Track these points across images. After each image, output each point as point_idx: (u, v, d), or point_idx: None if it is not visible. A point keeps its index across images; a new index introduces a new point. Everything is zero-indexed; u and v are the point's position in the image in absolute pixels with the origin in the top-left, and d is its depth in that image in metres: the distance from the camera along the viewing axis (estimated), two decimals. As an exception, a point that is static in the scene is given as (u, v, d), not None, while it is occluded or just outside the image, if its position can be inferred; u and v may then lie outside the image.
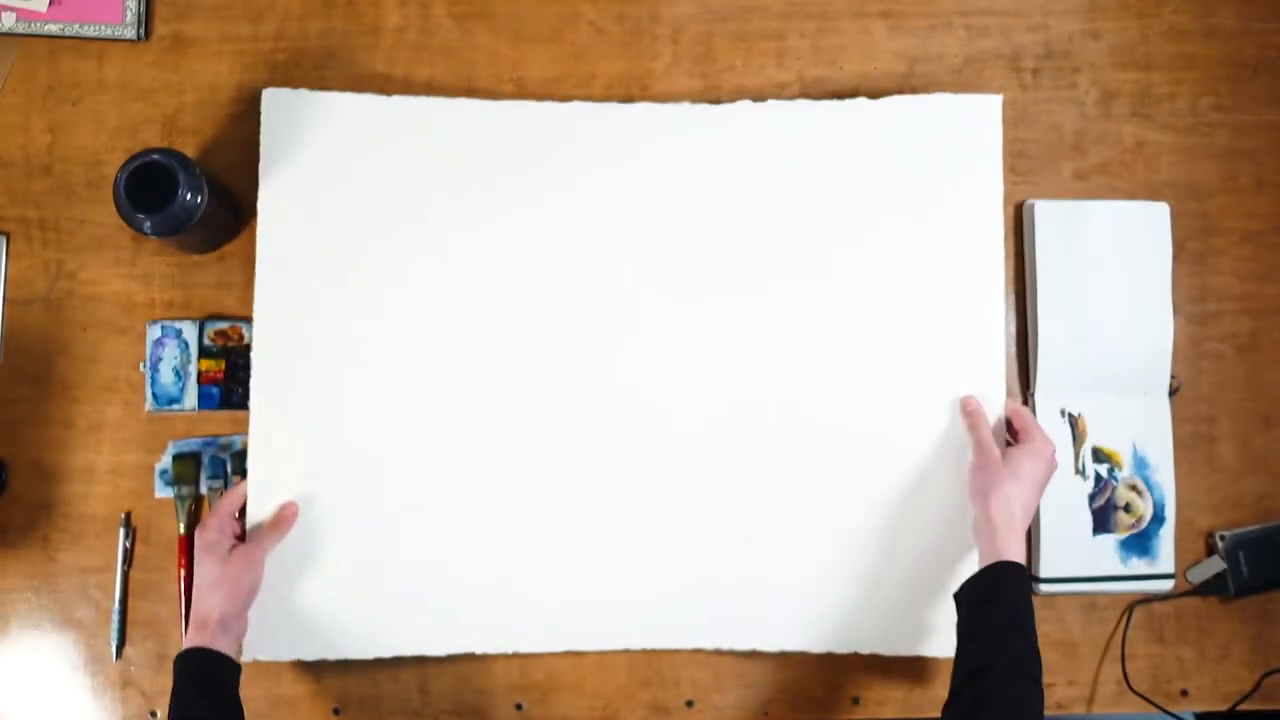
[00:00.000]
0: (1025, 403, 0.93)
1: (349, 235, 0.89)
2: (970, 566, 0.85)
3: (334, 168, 0.89)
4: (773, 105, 0.92)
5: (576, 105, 0.91)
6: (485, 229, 0.90)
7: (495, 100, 0.91)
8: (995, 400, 0.90)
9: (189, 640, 0.79)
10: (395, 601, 0.87)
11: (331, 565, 0.87)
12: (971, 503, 0.86)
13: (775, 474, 0.90)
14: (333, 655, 0.87)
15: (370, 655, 0.87)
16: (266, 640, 0.86)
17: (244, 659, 0.85)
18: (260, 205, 0.88)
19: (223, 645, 0.79)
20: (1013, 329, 0.93)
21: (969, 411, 0.88)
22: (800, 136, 0.91)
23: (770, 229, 0.91)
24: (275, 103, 0.89)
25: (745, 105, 0.92)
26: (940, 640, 0.89)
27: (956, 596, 0.80)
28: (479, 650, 0.87)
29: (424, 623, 0.88)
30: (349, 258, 0.89)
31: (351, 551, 0.87)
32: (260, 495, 0.86)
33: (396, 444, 0.88)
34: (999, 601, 0.76)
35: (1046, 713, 0.90)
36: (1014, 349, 0.93)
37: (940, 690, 0.90)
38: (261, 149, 0.89)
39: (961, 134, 0.91)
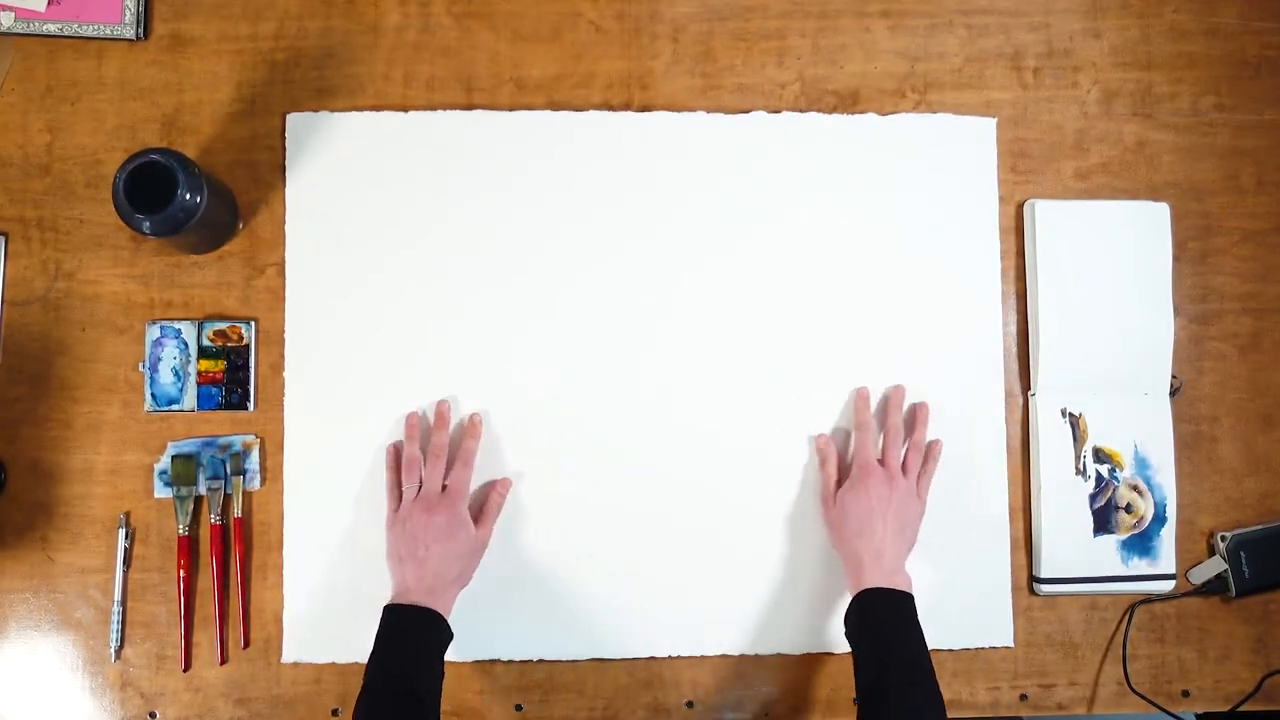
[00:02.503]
0: (1025, 404, 0.93)
1: (372, 243, 0.90)
2: (965, 564, 0.88)
3: (354, 181, 0.90)
4: (785, 117, 0.93)
5: (588, 115, 0.92)
6: (499, 235, 0.91)
7: (505, 111, 0.92)
8: (995, 404, 0.92)
9: (422, 599, 0.79)
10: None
11: (360, 570, 0.88)
12: None
13: (775, 477, 0.91)
14: (365, 659, 0.86)
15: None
16: (307, 642, 0.87)
17: (283, 660, 0.87)
18: (288, 220, 0.90)
19: (447, 613, 0.81)
20: (1013, 329, 0.93)
21: (819, 448, 0.90)
22: (808, 147, 0.92)
23: (777, 236, 0.92)
24: (297, 126, 0.91)
25: (759, 115, 0.92)
26: (939, 635, 0.89)
27: (846, 632, 0.83)
28: (482, 658, 0.89)
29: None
30: (373, 266, 0.90)
31: (380, 557, 0.87)
32: (296, 501, 0.89)
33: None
34: (871, 628, 0.80)
35: (1047, 713, 0.91)
36: (1014, 349, 0.93)
37: (942, 689, 0.90)
38: (286, 169, 0.90)
39: (960, 151, 0.93)
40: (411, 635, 0.78)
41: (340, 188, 0.90)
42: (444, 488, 0.85)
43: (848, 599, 0.89)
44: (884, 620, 0.80)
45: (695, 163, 0.92)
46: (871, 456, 0.87)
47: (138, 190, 0.79)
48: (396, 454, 0.88)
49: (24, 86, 0.91)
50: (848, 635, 0.83)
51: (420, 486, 0.85)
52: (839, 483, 0.88)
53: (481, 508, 0.87)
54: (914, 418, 0.90)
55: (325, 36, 0.92)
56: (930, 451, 0.89)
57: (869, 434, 0.88)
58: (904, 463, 0.88)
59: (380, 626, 0.79)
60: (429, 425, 0.88)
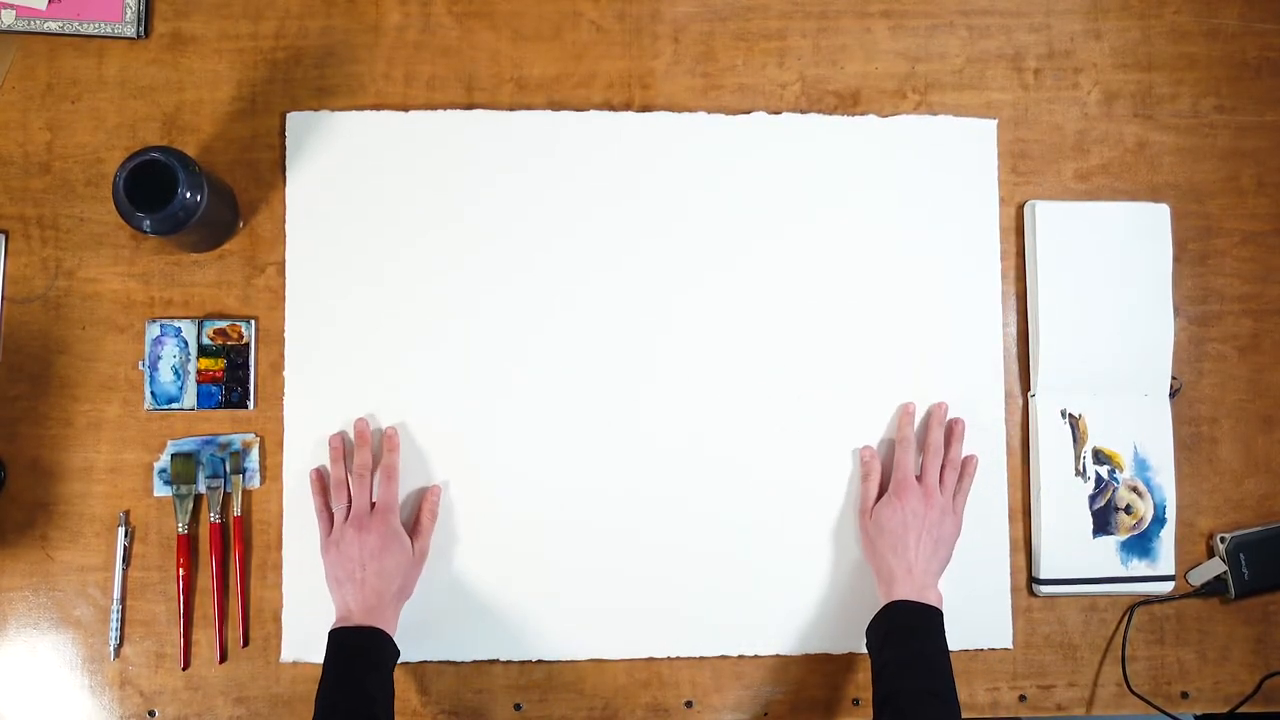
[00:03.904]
0: (1025, 404, 0.93)
1: (372, 243, 0.90)
2: (964, 564, 0.88)
3: (355, 180, 0.91)
4: (786, 117, 0.93)
5: (589, 114, 0.92)
6: (499, 234, 0.91)
7: (505, 110, 0.92)
8: (995, 404, 0.92)
9: (364, 619, 0.79)
10: (415, 607, 0.87)
11: None
12: None
13: (775, 477, 0.91)
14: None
15: (398, 659, 0.87)
16: (306, 642, 0.87)
17: (282, 659, 0.87)
18: (288, 219, 0.90)
19: (392, 629, 0.81)
20: (1013, 329, 0.93)
21: (863, 461, 0.90)
22: (809, 148, 0.93)
23: (778, 236, 0.92)
24: (298, 125, 0.91)
25: (759, 116, 0.92)
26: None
27: (868, 642, 0.83)
28: (481, 658, 0.89)
29: (430, 628, 0.88)
30: (372, 265, 0.90)
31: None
32: (295, 500, 0.89)
33: (405, 454, 0.89)
34: (896, 638, 0.80)
35: (1046, 714, 0.91)
36: (1015, 349, 0.93)
37: (940, 691, 0.90)
38: (286, 168, 0.90)
39: (961, 151, 0.93)
40: (359, 657, 0.78)
41: (341, 187, 0.90)
42: (373, 505, 0.85)
43: (848, 600, 0.90)
44: (911, 630, 0.80)
45: (696, 163, 0.92)
46: (911, 472, 0.87)
47: (138, 189, 0.79)
48: (321, 478, 0.87)
49: (25, 85, 0.91)
50: (870, 645, 0.83)
51: (349, 507, 0.85)
52: (880, 496, 0.88)
53: (416, 519, 0.87)
54: (950, 434, 0.90)
55: (326, 35, 0.92)
56: (965, 468, 0.89)
57: (909, 450, 0.88)
58: (941, 479, 0.88)
59: (327, 652, 0.79)
60: (352, 446, 0.88)
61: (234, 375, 0.89)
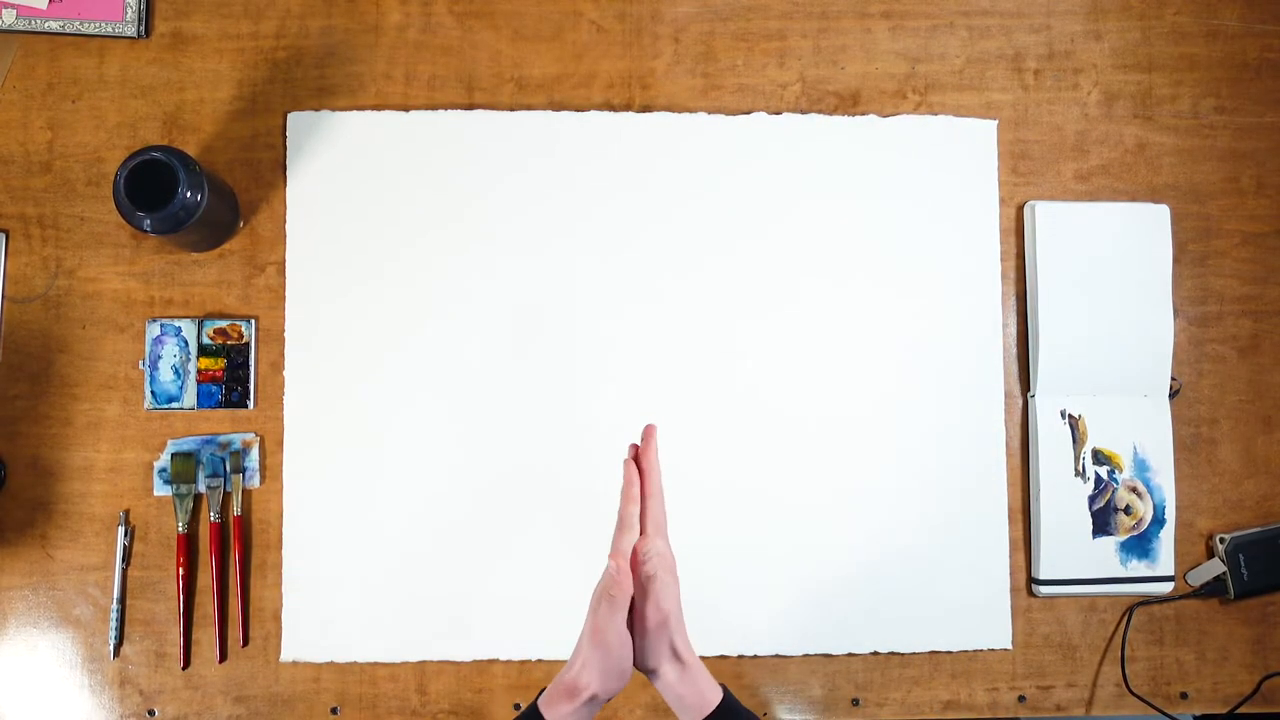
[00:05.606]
0: (1025, 404, 0.93)
1: (371, 243, 0.90)
2: (964, 565, 0.87)
3: (355, 180, 0.91)
4: (786, 118, 0.93)
5: (589, 115, 0.92)
6: (500, 234, 0.91)
7: (505, 111, 0.92)
8: (994, 405, 0.92)
9: (566, 703, 0.68)
10: (415, 607, 0.88)
11: (360, 569, 0.88)
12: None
13: (772, 477, 0.91)
14: (364, 658, 0.88)
15: (398, 659, 0.88)
16: (306, 641, 0.88)
17: (282, 659, 0.88)
18: (289, 219, 0.90)
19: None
20: (1013, 330, 0.93)
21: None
22: (809, 148, 0.93)
23: (777, 237, 0.92)
24: (299, 124, 0.91)
25: (759, 116, 0.93)
26: (938, 637, 0.90)
27: None
28: (481, 657, 0.89)
29: (429, 628, 0.88)
30: (372, 265, 0.90)
31: (380, 556, 0.89)
32: (295, 500, 0.89)
33: (406, 453, 0.89)
34: None
35: (1046, 715, 0.91)
36: (1014, 349, 0.93)
37: (940, 690, 0.90)
38: (287, 167, 0.91)
39: (961, 152, 0.93)
40: None
41: (341, 187, 0.91)
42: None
43: (847, 599, 0.89)
44: None
45: (696, 163, 0.92)
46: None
47: (139, 188, 0.79)
48: None
49: (25, 84, 0.91)
50: None
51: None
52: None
53: None
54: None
55: (326, 35, 0.93)
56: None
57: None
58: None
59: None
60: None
61: (234, 375, 0.89)
